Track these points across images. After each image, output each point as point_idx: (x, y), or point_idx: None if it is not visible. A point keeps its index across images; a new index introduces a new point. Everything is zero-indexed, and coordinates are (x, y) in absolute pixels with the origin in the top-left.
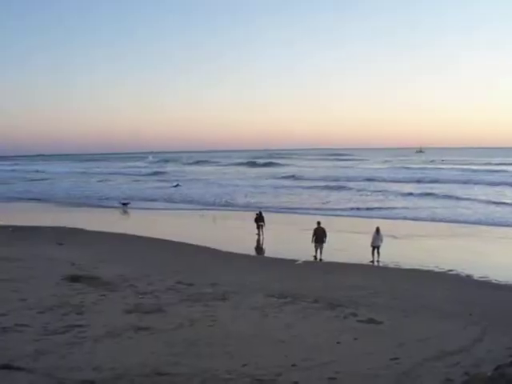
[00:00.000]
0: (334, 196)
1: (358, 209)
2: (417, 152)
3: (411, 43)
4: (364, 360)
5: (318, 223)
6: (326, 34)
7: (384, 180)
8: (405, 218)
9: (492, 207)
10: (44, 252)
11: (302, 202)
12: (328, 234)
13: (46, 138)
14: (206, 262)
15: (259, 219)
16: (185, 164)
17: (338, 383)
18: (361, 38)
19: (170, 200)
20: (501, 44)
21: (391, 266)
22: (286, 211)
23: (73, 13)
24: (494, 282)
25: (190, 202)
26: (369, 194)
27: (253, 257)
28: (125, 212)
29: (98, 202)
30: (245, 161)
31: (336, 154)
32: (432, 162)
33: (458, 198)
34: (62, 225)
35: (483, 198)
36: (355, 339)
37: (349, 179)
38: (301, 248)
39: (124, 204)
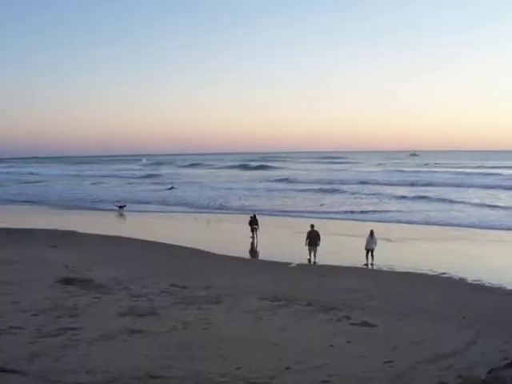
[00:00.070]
0: (328, 199)
1: (351, 212)
2: (411, 155)
3: (403, 46)
4: (357, 363)
5: (312, 226)
6: (324, 34)
7: (378, 183)
8: (399, 221)
9: (486, 210)
10: (39, 255)
11: (295, 205)
12: (322, 237)
13: (41, 140)
14: (199, 264)
15: (253, 222)
16: (179, 167)
17: None
18: (358, 39)
19: (164, 203)
20: (497, 46)
21: (385, 269)
22: (280, 214)
23: (73, 13)
24: (487, 285)
25: (185, 204)
26: (363, 197)
27: (247, 260)
28: (121, 215)
29: (92, 205)
30: (237, 164)
31: (329, 157)
32: (426, 165)
33: (451, 201)
34: (55, 227)
35: (477, 201)
36: (349, 342)
37: (342, 182)
38: (295, 251)
39: (120, 207)
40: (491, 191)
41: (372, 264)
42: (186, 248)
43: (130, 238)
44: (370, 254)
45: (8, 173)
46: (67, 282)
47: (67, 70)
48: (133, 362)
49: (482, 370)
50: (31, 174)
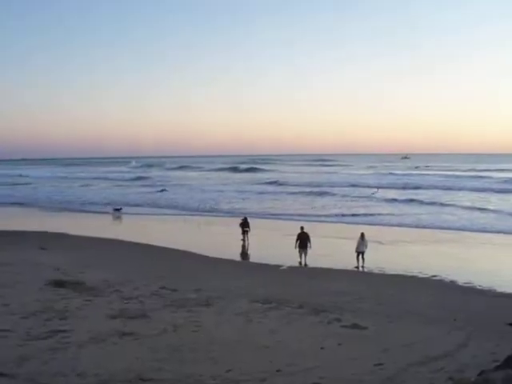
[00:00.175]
0: (319, 202)
1: (342, 215)
2: (402, 158)
3: (395, 49)
4: (348, 365)
5: (302, 228)
6: (318, 35)
7: (369, 186)
8: (389, 224)
9: (476, 213)
10: (30, 257)
11: (286, 208)
12: (313, 239)
13: (30, 142)
14: (190, 267)
15: (244, 225)
16: (168, 169)
17: None
18: (350, 42)
19: (156, 205)
20: (492, 47)
21: (376, 271)
22: (271, 217)
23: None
24: (478, 287)
25: (176, 207)
26: (353, 199)
27: (237, 262)
28: (117, 217)
29: (82, 207)
30: (227, 166)
31: (320, 160)
32: (417, 168)
33: (442, 204)
34: (45, 229)
35: (467, 204)
36: (339, 344)
37: (333, 185)
38: (285, 253)
39: (116, 210)
40: (482, 194)
41: (363, 266)
42: (176, 250)
43: (121, 240)
44: (360, 256)
45: None
46: (58, 284)
47: (65, 70)
48: (123, 364)
49: (473, 373)
50: (20, 176)
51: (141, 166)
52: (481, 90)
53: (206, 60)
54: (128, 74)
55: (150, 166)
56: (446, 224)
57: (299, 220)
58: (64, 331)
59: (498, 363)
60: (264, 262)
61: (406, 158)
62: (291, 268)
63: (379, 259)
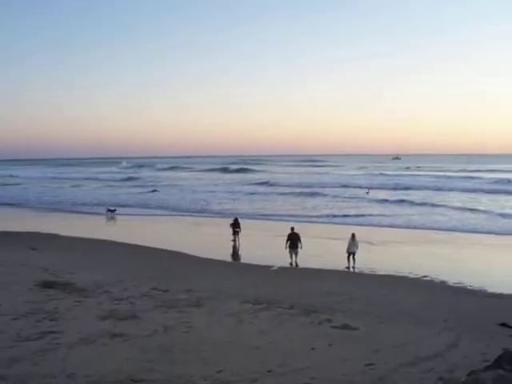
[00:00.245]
0: (310, 202)
1: (333, 215)
2: (393, 159)
3: (384, 50)
4: (339, 366)
5: (292, 229)
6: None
7: (360, 186)
8: (380, 225)
9: (467, 214)
10: (21, 258)
11: (276, 209)
12: (303, 240)
13: (21, 142)
14: (181, 267)
15: (235, 225)
16: (158, 170)
17: None
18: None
19: (147, 206)
20: (481, 48)
21: (367, 272)
22: (261, 218)
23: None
24: (468, 288)
25: (168, 207)
26: (344, 200)
27: (228, 263)
28: (111, 218)
29: (73, 208)
30: (218, 167)
31: (311, 160)
32: (407, 168)
33: (433, 205)
34: (36, 230)
35: (458, 204)
36: (330, 345)
37: (324, 185)
38: (276, 254)
39: (110, 211)
40: (472, 195)
41: (354, 267)
42: (167, 251)
43: (112, 241)
44: (351, 257)
45: None
46: (48, 285)
47: (60, 70)
48: (114, 365)
49: (463, 373)
50: (11, 176)
51: (131, 167)
52: (472, 92)
53: (198, 61)
54: (122, 75)
55: (140, 166)
56: (436, 224)
57: (290, 221)
58: (54, 332)
59: (489, 363)
60: (255, 262)
61: (396, 158)
62: (282, 269)
63: (370, 260)
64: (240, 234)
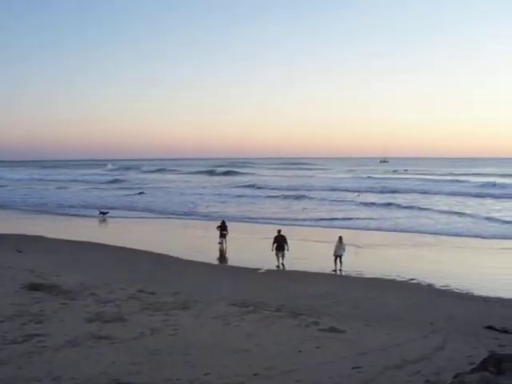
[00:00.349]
0: (297, 205)
1: (320, 218)
2: (381, 162)
3: (373, 51)
4: (326, 369)
5: (279, 231)
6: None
7: (347, 189)
8: (368, 228)
9: (453, 217)
10: (6, 260)
11: (264, 212)
12: (290, 242)
13: (6, 144)
14: (168, 270)
15: (222, 228)
16: (145, 172)
17: None
18: (331, 48)
19: (133, 208)
20: (472, 52)
21: (353, 275)
22: (249, 220)
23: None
24: (455, 290)
25: (154, 210)
26: (332, 203)
27: (215, 265)
28: (103, 221)
29: (58, 210)
30: (205, 169)
31: (298, 163)
32: (395, 171)
33: (420, 208)
34: (21, 232)
35: (445, 208)
36: (317, 348)
37: (311, 188)
38: (263, 257)
39: (103, 213)
40: (459, 198)
41: (340, 270)
42: (154, 254)
43: (99, 243)
44: (338, 259)
45: None
46: (34, 287)
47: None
48: (100, 368)
49: (449, 375)
50: None
51: (117, 169)
52: (457, 96)
53: (184, 61)
54: (115, 75)
55: (126, 168)
56: (423, 228)
57: (277, 224)
58: (40, 335)
59: (474, 366)
60: (242, 265)
61: (384, 161)
62: (269, 271)
63: (357, 263)
64: (227, 237)
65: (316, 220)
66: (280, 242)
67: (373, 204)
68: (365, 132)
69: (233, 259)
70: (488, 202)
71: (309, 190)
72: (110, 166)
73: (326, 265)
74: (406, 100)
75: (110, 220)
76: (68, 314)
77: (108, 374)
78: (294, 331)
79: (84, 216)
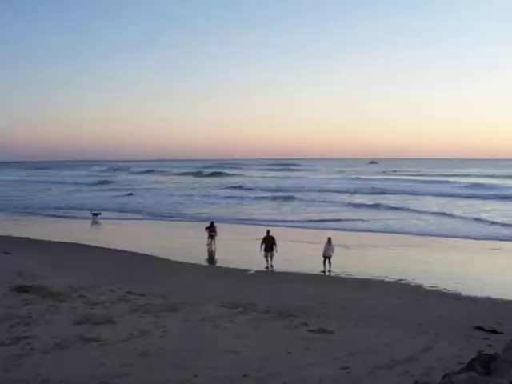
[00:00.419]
0: (285, 207)
1: (309, 220)
2: (370, 163)
3: (364, 56)
4: (315, 370)
5: (268, 232)
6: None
7: (336, 191)
8: (357, 229)
9: (443, 218)
10: None
11: (252, 213)
12: (279, 244)
13: None
14: (157, 272)
15: (211, 229)
16: (133, 173)
17: None
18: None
19: (123, 209)
20: (460, 54)
21: (343, 275)
22: (238, 221)
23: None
24: (443, 291)
25: (144, 211)
26: (320, 204)
27: (205, 267)
28: (95, 222)
29: (46, 212)
30: (194, 170)
31: (286, 164)
32: (384, 172)
33: (409, 209)
34: (8, 234)
35: (434, 209)
36: (306, 349)
37: (300, 190)
38: (252, 258)
39: (95, 214)
40: (448, 199)
41: (330, 271)
42: (144, 255)
43: (88, 244)
44: (327, 260)
45: None
46: (22, 289)
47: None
48: (88, 370)
49: (438, 376)
50: None
51: (106, 170)
52: (447, 95)
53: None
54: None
55: (114, 169)
56: (412, 229)
57: (266, 225)
58: (28, 337)
59: (463, 365)
60: (231, 266)
61: (373, 162)
62: (258, 272)
63: (346, 264)
64: (216, 238)
65: (305, 221)
66: (269, 243)
67: (362, 205)
68: (354, 133)
69: (222, 260)
70: (476, 202)
71: (298, 191)
72: (97, 167)
73: (315, 266)
74: (396, 100)
75: (100, 221)
76: (56, 316)
77: (97, 376)
78: (284, 332)
79: (73, 218)
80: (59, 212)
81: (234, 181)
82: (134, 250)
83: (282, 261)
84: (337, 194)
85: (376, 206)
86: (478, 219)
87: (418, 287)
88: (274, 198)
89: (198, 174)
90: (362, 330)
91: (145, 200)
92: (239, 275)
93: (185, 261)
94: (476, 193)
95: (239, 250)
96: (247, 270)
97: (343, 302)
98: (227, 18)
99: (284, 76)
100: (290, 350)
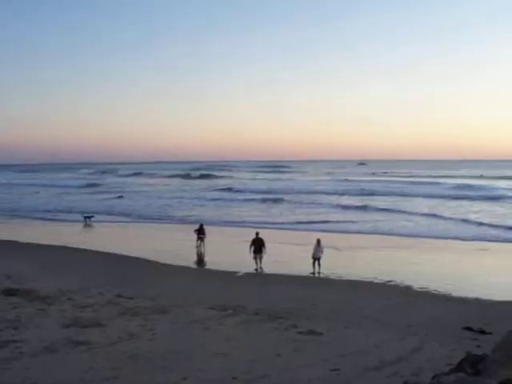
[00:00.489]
0: (274, 209)
1: (298, 221)
2: (359, 164)
3: (357, 54)
4: (304, 371)
5: (257, 234)
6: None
7: (325, 192)
8: (346, 231)
9: (432, 219)
10: None
11: (242, 215)
12: (269, 246)
13: None
14: (146, 275)
15: (200, 231)
16: (122, 176)
17: None
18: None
19: (113, 212)
20: (447, 57)
21: (332, 277)
22: (227, 224)
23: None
24: (433, 292)
25: (133, 214)
26: (309, 206)
27: (194, 269)
28: (88, 225)
29: (34, 215)
30: (182, 173)
31: (275, 166)
32: (373, 174)
33: (399, 211)
34: None
35: (424, 210)
36: (296, 351)
37: (289, 192)
38: (241, 260)
39: (87, 217)
40: (438, 200)
41: (319, 272)
42: (133, 258)
43: (76, 247)
44: (316, 262)
45: None
46: (10, 293)
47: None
48: (77, 374)
49: (428, 376)
50: None
51: (94, 173)
52: (435, 95)
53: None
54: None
55: (103, 172)
56: (402, 230)
57: (255, 227)
58: (17, 341)
59: (452, 366)
60: (220, 268)
61: (362, 164)
62: (247, 274)
63: (335, 265)
64: (205, 240)
65: (294, 223)
66: (258, 245)
67: (351, 207)
68: (342, 134)
69: (211, 262)
70: (465, 203)
71: (287, 193)
72: (85, 170)
73: (304, 267)
74: (383, 102)
75: (93, 224)
76: (45, 319)
77: (86, 379)
78: (273, 334)
79: (62, 221)
80: (48, 215)
81: (223, 183)
82: (123, 253)
83: (271, 263)
84: (325, 196)
85: (364, 208)
86: (466, 220)
87: (408, 288)
88: (264, 200)
89: (187, 177)
90: (351, 331)
91: (134, 202)
92: (228, 277)
93: (174, 263)
94: (464, 194)
95: (228, 252)
96: (236, 272)
97: (332, 304)
98: (227, 17)
99: (284, 76)
100: (279, 351)
